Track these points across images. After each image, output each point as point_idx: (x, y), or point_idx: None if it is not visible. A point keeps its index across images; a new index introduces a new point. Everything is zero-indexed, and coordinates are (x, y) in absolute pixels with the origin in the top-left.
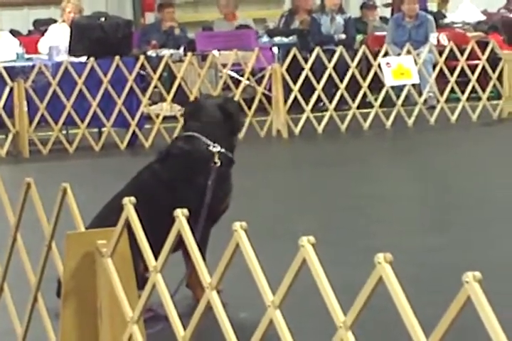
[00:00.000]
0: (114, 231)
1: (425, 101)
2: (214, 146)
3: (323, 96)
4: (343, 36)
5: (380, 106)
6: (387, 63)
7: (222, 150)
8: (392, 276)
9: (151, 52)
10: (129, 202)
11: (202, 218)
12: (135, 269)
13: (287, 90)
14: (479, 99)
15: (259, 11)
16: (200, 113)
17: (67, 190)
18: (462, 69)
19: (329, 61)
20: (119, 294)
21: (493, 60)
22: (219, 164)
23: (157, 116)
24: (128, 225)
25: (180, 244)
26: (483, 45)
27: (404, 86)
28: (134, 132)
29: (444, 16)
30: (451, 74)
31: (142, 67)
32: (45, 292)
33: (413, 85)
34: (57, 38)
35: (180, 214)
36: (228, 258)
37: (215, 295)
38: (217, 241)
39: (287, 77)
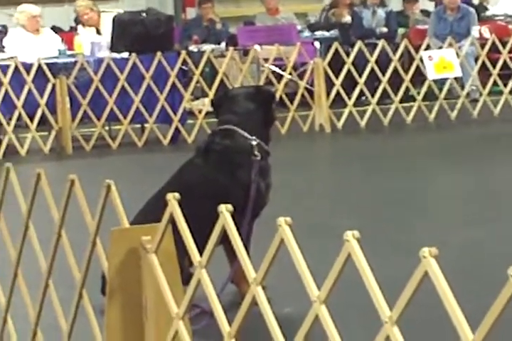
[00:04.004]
0: (159, 227)
1: (468, 94)
2: (252, 139)
3: (365, 90)
4: (385, 30)
5: (423, 99)
6: (429, 56)
7: (259, 142)
8: (438, 271)
9: (193, 48)
10: (173, 197)
11: (248, 213)
12: (179, 265)
13: (329, 84)
14: None
15: (300, 5)
16: (233, 104)
17: (112, 187)
18: (504, 61)
19: (371, 55)
20: (164, 290)
21: None
22: (259, 157)
23: (199, 111)
24: (172, 221)
25: (223, 239)
26: None
27: (446, 79)
28: (176, 128)
29: (486, 9)
30: (494, 67)
31: (184, 62)
32: (90, 288)
33: (455, 78)
34: (90, 38)
35: (225, 209)
36: (273, 253)
37: (260, 290)
38: (260, 236)
39: (329, 72)
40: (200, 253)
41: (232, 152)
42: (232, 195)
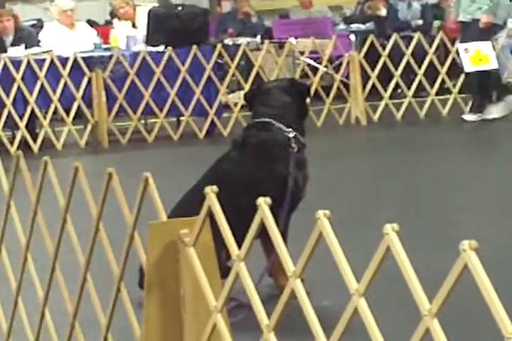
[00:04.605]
0: (197, 220)
1: None
2: (288, 131)
3: (401, 83)
4: (420, 22)
5: (459, 92)
6: (465, 49)
7: (295, 134)
8: (478, 264)
9: (228, 41)
10: (211, 190)
11: (285, 205)
12: (217, 258)
13: (365, 77)
14: None
15: None
16: (268, 97)
17: (149, 180)
18: None
19: (407, 47)
20: (202, 283)
21: None
22: (296, 149)
23: (235, 104)
24: (209, 214)
25: (260, 232)
26: None
27: None
28: (212, 121)
29: None
30: None
31: (219, 55)
32: (128, 282)
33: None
34: (126, 32)
35: (263, 202)
36: (312, 246)
37: (299, 283)
38: (296, 229)
39: (365, 64)
40: (238, 246)
41: (269, 145)
42: (270, 187)
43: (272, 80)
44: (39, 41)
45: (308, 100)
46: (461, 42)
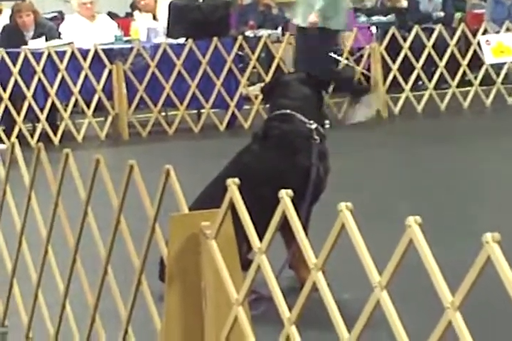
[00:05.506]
0: (218, 212)
1: None
2: (310, 123)
3: (422, 75)
4: (442, 14)
5: (480, 84)
6: (487, 41)
7: (317, 126)
8: (501, 256)
9: (249, 33)
10: (233, 183)
11: (307, 197)
12: (238, 251)
13: (386, 69)
14: None
15: None
16: (287, 90)
17: (171, 172)
18: None
19: (428, 39)
20: (223, 276)
21: None
22: (318, 141)
23: (256, 96)
24: (231, 206)
25: (281, 224)
26: None
27: (504, 64)
28: (233, 113)
29: None
30: None
31: (240, 47)
32: (149, 275)
33: None
34: (147, 24)
35: (285, 194)
36: (334, 239)
37: (321, 276)
38: (317, 221)
39: (386, 56)
40: (259, 238)
41: (292, 136)
42: (292, 179)
43: (288, 73)
44: (60, 34)
45: (324, 93)
46: (297, 50)
